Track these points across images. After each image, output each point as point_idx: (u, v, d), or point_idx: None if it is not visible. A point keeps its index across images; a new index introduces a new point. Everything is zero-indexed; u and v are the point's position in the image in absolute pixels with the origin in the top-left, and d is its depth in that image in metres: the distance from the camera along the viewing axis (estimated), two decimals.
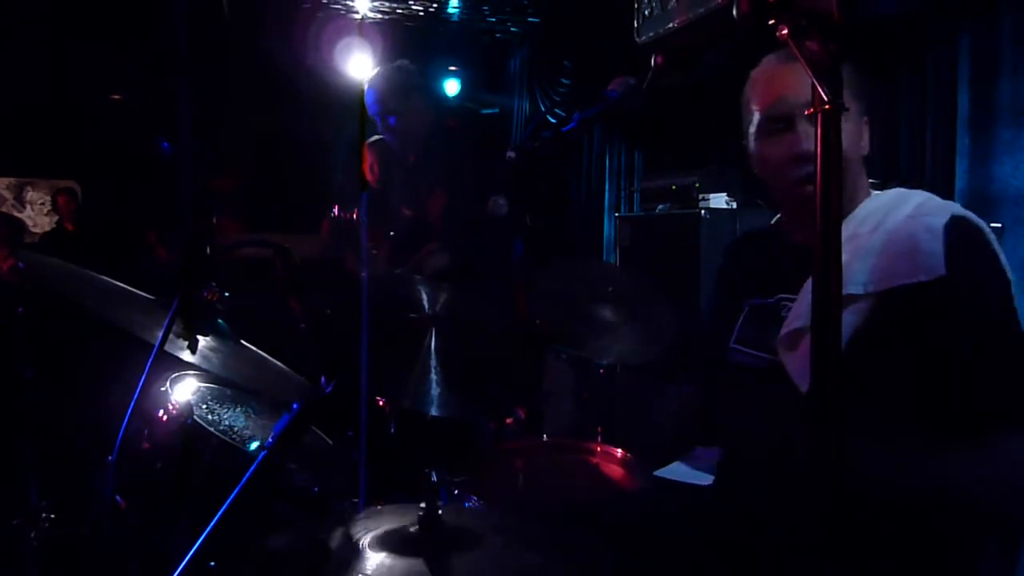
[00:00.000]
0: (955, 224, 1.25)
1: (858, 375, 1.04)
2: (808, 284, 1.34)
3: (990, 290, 1.23)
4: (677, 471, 2.24)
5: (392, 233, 2.93)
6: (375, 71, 2.87)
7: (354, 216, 2.69)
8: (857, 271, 1.26)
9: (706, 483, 2.06)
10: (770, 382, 1.38)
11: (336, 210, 2.76)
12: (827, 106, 0.77)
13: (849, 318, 1.23)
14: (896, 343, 1.23)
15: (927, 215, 1.27)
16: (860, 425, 0.90)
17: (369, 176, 2.91)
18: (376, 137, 2.96)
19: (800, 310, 1.36)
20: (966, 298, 1.21)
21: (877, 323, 1.24)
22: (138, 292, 1.46)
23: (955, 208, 1.30)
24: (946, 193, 2.68)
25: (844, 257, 0.80)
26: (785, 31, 0.79)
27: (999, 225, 2.29)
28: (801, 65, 0.78)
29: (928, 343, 1.21)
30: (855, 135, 1.38)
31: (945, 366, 1.20)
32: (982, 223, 1.29)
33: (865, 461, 0.94)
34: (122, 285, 1.46)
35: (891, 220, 1.30)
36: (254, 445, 1.72)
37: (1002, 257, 1.27)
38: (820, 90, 0.77)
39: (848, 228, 1.31)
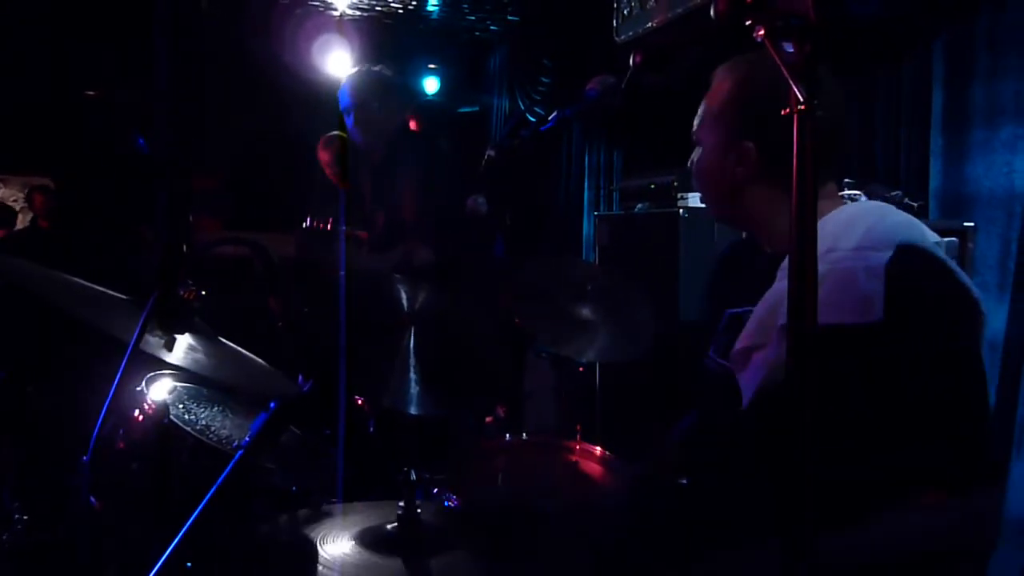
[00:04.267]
0: (898, 260, 1.18)
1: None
2: (760, 303, 1.32)
3: (934, 335, 1.17)
4: None
5: (367, 235, 2.91)
6: (352, 70, 2.86)
7: (328, 225, 2.62)
8: None
9: (686, 482, 2.07)
10: (729, 391, 1.37)
11: (308, 220, 2.66)
12: (802, 107, 0.78)
13: (784, 346, 1.11)
14: (831, 379, 1.09)
15: (871, 248, 1.20)
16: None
17: (329, 173, 2.85)
18: (333, 133, 2.94)
19: (749, 328, 1.32)
20: (905, 345, 1.15)
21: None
22: (111, 292, 1.44)
23: (904, 234, 1.23)
24: (920, 193, 2.72)
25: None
26: (762, 32, 0.80)
27: (972, 224, 2.31)
28: (777, 65, 0.79)
29: (863, 385, 1.17)
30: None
31: (880, 411, 1.16)
32: (931, 247, 1.23)
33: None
34: (94, 286, 1.44)
35: (840, 248, 1.23)
36: (231, 445, 1.70)
37: (959, 276, 1.22)
38: (795, 91, 0.78)
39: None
